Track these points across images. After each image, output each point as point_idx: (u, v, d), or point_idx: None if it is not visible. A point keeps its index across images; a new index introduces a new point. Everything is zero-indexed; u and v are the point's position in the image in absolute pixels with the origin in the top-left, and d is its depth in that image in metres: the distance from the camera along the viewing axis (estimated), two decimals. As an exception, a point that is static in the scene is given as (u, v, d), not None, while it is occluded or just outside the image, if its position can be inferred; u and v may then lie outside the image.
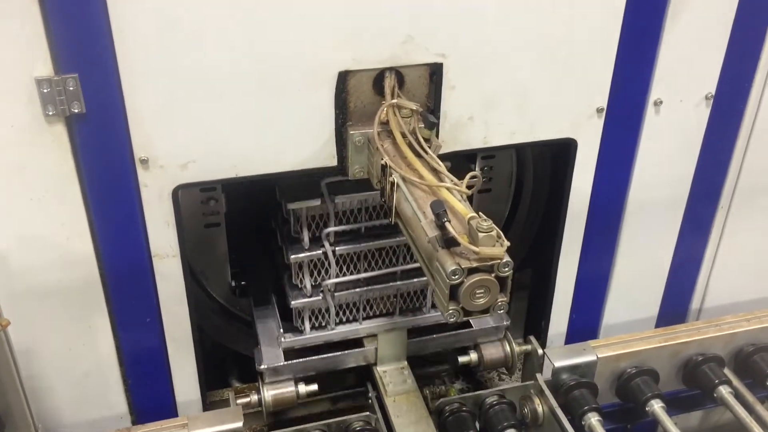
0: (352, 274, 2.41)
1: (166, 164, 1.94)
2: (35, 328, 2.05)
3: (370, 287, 2.43)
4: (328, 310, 2.44)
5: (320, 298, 2.39)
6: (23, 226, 1.91)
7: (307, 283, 2.38)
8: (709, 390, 2.44)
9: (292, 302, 2.39)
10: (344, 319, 2.51)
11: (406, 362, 2.54)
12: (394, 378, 2.50)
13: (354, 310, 2.51)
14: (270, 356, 2.43)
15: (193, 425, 2.08)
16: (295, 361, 2.43)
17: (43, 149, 1.82)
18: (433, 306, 2.57)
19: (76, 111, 1.78)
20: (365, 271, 2.41)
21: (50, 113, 1.76)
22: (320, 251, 2.32)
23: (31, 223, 1.91)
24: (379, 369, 2.53)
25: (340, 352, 2.51)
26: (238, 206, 2.59)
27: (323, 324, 2.49)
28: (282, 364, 2.41)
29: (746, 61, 2.33)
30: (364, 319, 2.52)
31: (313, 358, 2.47)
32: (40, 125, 1.79)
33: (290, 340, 2.45)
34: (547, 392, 2.28)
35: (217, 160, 1.98)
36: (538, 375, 2.33)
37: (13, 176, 1.84)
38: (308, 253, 2.32)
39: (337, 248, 2.32)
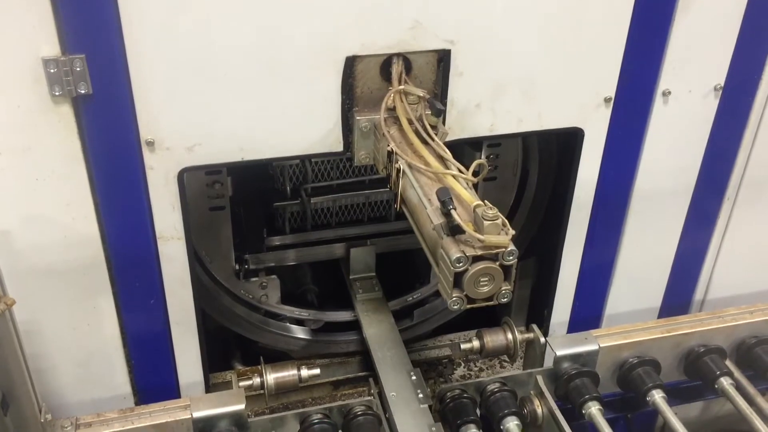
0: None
1: (172, 146, 1.94)
2: (40, 308, 2.06)
3: (342, 194, 2.91)
4: (305, 212, 2.89)
5: (298, 201, 2.81)
6: (29, 206, 1.92)
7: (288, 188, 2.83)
8: (710, 381, 2.45)
9: (275, 204, 2.83)
10: (319, 224, 2.99)
11: (374, 274, 2.98)
12: (364, 286, 2.93)
13: (328, 216, 2.96)
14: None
15: (196, 407, 2.09)
16: (273, 252, 2.88)
17: (49, 130, 1.82)
18: (397, 216, 3.01)
19: (83, 92, 1.77)
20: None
21: (57, 94, 1.76)
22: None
23: (37, 203, 1.92)
24: (352, 278, 2.96)
25: (312, 247, 2.97)
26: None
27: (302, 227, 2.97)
28: (263, 254, 2.84)
29: (756, 53, 2.32)
30: (336, 224, 2.99)
31: (289, 250, 2.93)
32: (46, 106, 1.79)
33: (272, 238, 2.92)
34: (547, 394, 2.28)
35: (224, 144, 1.98)
36: (538, 377, 2.33)
37: (20, 156, 1.84)
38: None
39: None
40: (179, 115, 1.90)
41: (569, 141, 2.33)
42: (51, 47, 1.72)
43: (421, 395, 2.30)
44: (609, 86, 2.21)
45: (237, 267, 2.77)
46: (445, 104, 2.06)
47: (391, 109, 1.96)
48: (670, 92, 2.27)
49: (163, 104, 1.87)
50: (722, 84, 2.31)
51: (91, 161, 1.90)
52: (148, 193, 1.98)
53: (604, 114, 2.25)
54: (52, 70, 1.73)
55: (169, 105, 1.88)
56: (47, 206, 1.93)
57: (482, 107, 2.12)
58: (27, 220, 1.93)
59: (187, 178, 2.03)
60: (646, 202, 2.47)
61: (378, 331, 2.68)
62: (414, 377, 2.38)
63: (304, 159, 2.80)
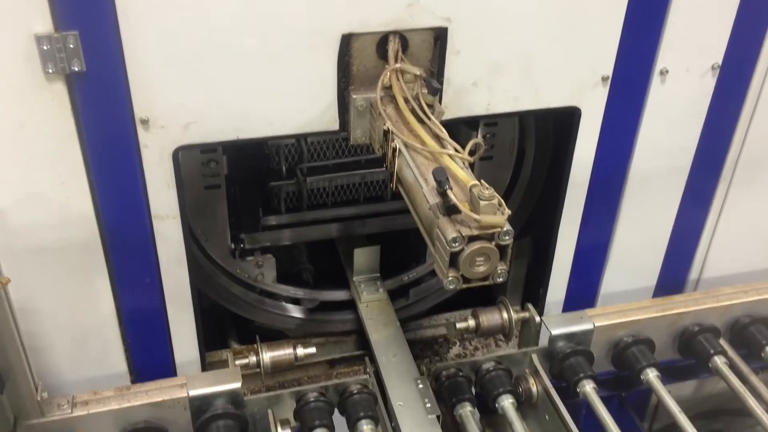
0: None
1: (167, 125, 1.92)
2: (35, 286, 2.06)
3: (338, 173, 2.88)
4: (301, 192, 2.87)
5: (294, 181, 2.81)
6: (23, 184, 1.91)
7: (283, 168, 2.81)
8: (704, 360, 2.46)
9: (270, 183, 2.81)
10: (315, 204, 2.97)
11: (378, 274, 2.86)
12: (368, 287, 2.82)
13: (324, 195, 2.93)
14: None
15: (192, 385, 2.10)
16: (269, 231, 2.86)
17: (42, 107, 1.81)
18: (393, 196, 2.97)
19: (76, 69, 1.76)
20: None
21: (50, 71, 1.75)
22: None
23: (31, 181, 1.91)
24: (355, 279, 2.84)
25: (307, 227, 2.95)
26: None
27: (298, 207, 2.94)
28: (259, 233, 2.83)
29: (754, 32, 2.30)
30: (332, 204, 2.96)
31: (285, 229, 2.90)
32: (39, 83, 1.77)
33: (268, 217, 2.89)
34: (542, 372, 2.30)
35: (219, 122, 1.97)
36: (533, 356, 2.34)
37: (13, 134, 1.83)
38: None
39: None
40: (174, 93, 1.89)
41: (566, 120, 2.32)
42: (44, 24, 1.70)
43: (428, 405, 2.22)
44: (606, 65, 2.20)
45: (233, 246, 2.77)
46: (441, 83, 2.05)
47: (388, 88, 1.95)
48: (667, 71, 2.26)
49: (157, 82, 1.86)
50: (720, 63, 2.30)
51: (85, 139, 1.88)
52: (143, 171, 1.97)
53: (602, 93, 2.24)
54: (45, 47, 1.71)
55: (163, 83, 1.86)
56: (41, 184, 1.92)
57: (479, 86, 2.11)
58: (21, 198, 1.92)
59: (182, 156, 2.02)
60: (643, 182, 2.47)
61: (383, 336, 2.58)
62: (421, 385, 2.29)
63: (300, 138, 2.79)
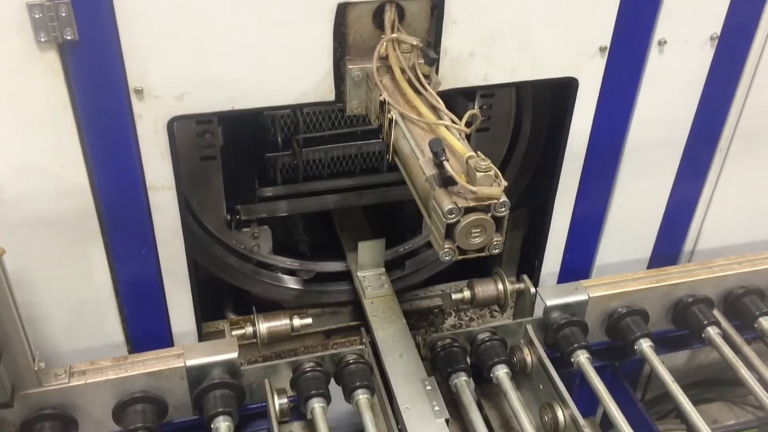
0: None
1: (161, 95, 1.91)
2: (30, 257, 2.06)
3: (334, 145, 2.87)
4: (297, 163, 2.86)
5: (290, 152, 2.79)
6: (16, 154, 1.90)
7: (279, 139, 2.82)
8: (697, 330, 2.48)
9: (266, 154, 2.81)
10: (311, 176, 2.98)
11: (384, 269, 2.75)
12: (372, 282, 2.70)
13: (320, 167, 2.93)
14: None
15: (189, 355, 2.11)
16: (265, 203, 2.85)
17: (35, 77, 1.79)
18: (389, 168, 2.96)
19: (69, 38, 1.74)
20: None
21: (42, 40, 1.72)
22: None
23: (25, 152, 1.89)
24: (360, 274, 2.73)
25: (303, 198, 2.95)
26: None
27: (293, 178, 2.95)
28: (255, 204, 2.81)
29: (753, 3, 2.29)
30: (328, 176, 2.97)
31: (280, 201, 2.89)
32: (32, 52, 1.75)
33: (264, 189, 2.88)
34: (537, 343, 2.31)
35: (214, 92, 1.95)
36: (528, 326, 2.35)
37: (6, 104, 1.81)
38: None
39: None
40: (168, 62, 1.87)
41: (563, 91, 2.31)
42: (35, -9, 1.68)
43: (437, 408, 2.15)
44: (604, 35, 2.18)
45: (228, 217, 2.76)
46: (438, 53, 2.03)
47: (384, 58, 1.93)
48: (665, 41, 2.25)
49: (151, 52, 1.84)
50: (718, 34, 2.28)
51: (78, 109, 1.87)
52: (138, 142, 1.96)
53: (599, 63, 2.23)
54: (37, 16, 1.69)
55: (157, 52, 1.84)
56: (35, 155, 1.91)
57: (476, 56, 2.09)
58: (15, 168, 1.91)
59: (177, 127, 2.01)
60: (639, 153, 2.47)
61: (389, 333, 2.46)
62: (429, 387, 2.21)
63: (296, 109, 2.77)
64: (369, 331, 2.52)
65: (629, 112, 2.38)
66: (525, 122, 2.75)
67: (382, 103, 1.88)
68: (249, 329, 2.40)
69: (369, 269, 2.74)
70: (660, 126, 2.44)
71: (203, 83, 1.93)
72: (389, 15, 1.94)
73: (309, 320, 2.43)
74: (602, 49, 2.20)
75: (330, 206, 3.01)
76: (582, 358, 2.32)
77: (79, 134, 1.90)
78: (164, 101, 1.92)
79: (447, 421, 2.12)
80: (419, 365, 2.30)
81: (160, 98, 1.91)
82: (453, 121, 1.79)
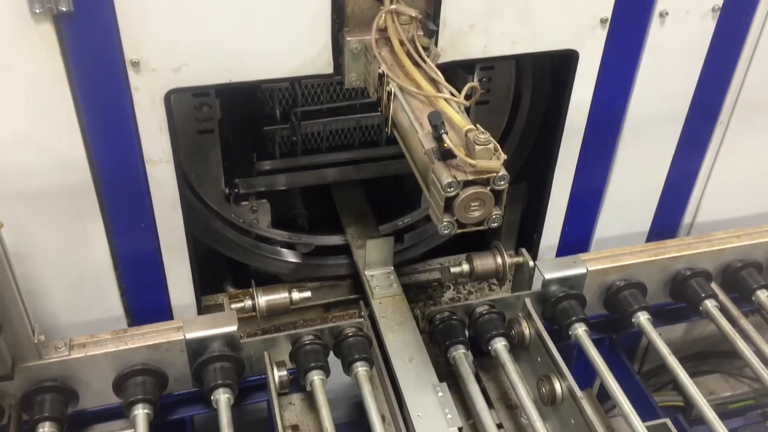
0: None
1: (157, 67, 1.89)
2: (29, 231, 2.06)
3: (332, 118, 2.84)
4: (295, 137, 2.84)
5: (288, 125, 2.76)
6: (13, 128, 1.88)
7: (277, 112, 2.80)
8: (695, 303, 2.49)
9: (264, 128, 2.78)
10: (310, 149, 2.96)
11: (392, 268, 2.62)
12: (380, 282, 2.57)
13: (318, 140, 2.91)
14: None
15: (189, 328, 2.12)
16: (263, 176, 2.85)
17: (30, 49, 1.77)
18: (388, 141, 2.95)
19: (64, 9, 1.72)
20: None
21: (37, 11, 1.70)
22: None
23: (22, 125, 1.88)
24: (367, 274, 2.60)
25: (302, 172, 2.95)
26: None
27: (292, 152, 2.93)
28: (253, 178, 2.81)
29: (755, -27, 2.26)
30: (327, 149, 2.95)
31: (279, 174, 2.88)
32: (27, 24, 1.73)
33: (262, 162, 2.87)
34: (535, 316, 2.32)
35: (211, 65, 1.94)
36: (526, 299, 2.36)
37: (1, 78, 1.79)
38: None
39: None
40: (164, 35, 1.85)
41: (563, 64, 2.29)
42: (29, -38, 1.66)
43: (449, 416, 2.07)
44: (605, 7, 2.16)
45: (227, 191, 2.76)
46: (437, 25, 2.01)
47: (383, 30, 1.91)
48: (667, 13, 2.22)
49: (147, 23, 1.82)
50: (720, 5, 2.26)
51: (75, 82, 1.85)
52: (135, 115, 1.95)
53: (600, 35, 2.21)
54: (31, -14, 1.67)
55: (153, 24, 1.82)
56: (32, 128, 1.90)
57: (476, 28, 2.07)
58: (12, 142, 1.90)
59: (174, 100, 2.00)
60: (639, 126, 2.46)
61: (399, 337, 2.35)
62: (441, 394, 2.12)
63: (294, 82, 2.75)
64: (367, 304, 2.53)
65: (630, 85, 2.36)
66: (524, 95, 2.74)
67: (381, 76, 1.86)
68: (248, 302, 2.41)
69: (377, 268, 2.60)
70: (660, 99, 2.43)
71: (200, 55, 1.91)
72: (388, -14, 1.92)
73: (308, 293, 2.43)
74: (603, 21, 2.18)
75: (329, 180, 3.00)
76: (580, 330, 2.34)
77: (75, 107, 1.89)
78: (161, 74, 1.90)
79: (460, 429, 2.05)
80: (430, 370, 2.22)
81: (157, 71, 1.89)
82: (452, 94, 1.78)
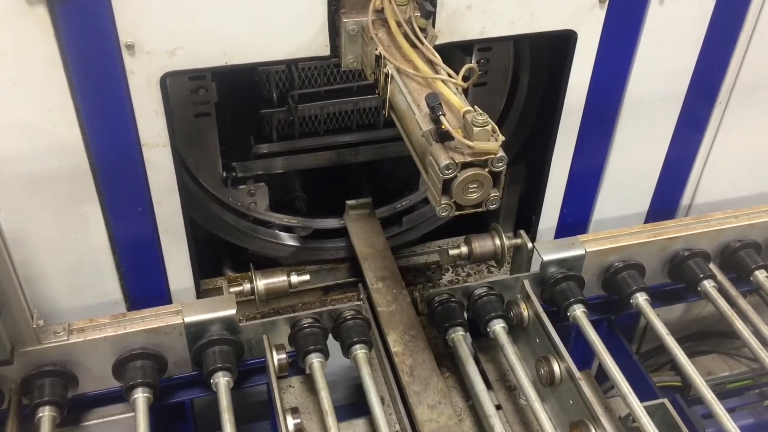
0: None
1: (153, 50, 1.88)
2: (26, 215, 2.05)
3: (329, 101, 2.84)
4: (292, 120, 2.82)
5: (285, 108, 2.75)
6: (8, 112, 1.87)
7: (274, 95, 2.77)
8: (693, 284, 2.49)
9: (262, 111, 2.77)
10: (307, 132, 2.94)
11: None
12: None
13: (316, 123, 2.89)
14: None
15: (187, 312, 2.12)
16: (261, 160, 2.85)
17: (24, 32, 1.76)
18: (386, 124, 2.93)
19: (58, -8, 1.70)
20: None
21: (30, -6, 1.69)
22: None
23: (17, 109, 1.87)
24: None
25: (299, 155, 2.94)
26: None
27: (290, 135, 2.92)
28: (251, 161, 2.81)
29: (756, -49, 2.25)
30: (324, 132, 2.94)
31: (277, 158, 2.88)
32: (20, 7, 1.72)
33: (260, 146, 2.87)
34: (534, 297, 2.32)
35: (206, 47, 1.92)
36: (525, 281, 2.36)
37: (-5, 60, 1.79)
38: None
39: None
40: (159, 17, 1.84)
41: (562, 44, 2.28)
42: (21, -56, 1.64)
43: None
44: (604, -14, 2.14)
45: (224, 175, 2.75)
46: (434, 5, 2.00)
47: (379, 11, 1.90)
48: (666, -7, 2.21)
49: (141, 5, 1.80)
50: (720, -16, 2.25)
51: (70, 66, 1.84)
52: (131, 98, 1.94)
53: (599, 16, 2.19)
54: (23, -31, 1.66)
55: (147, 6, 1.81)
56: (27, 112, 1.89)
57: (473, 9, 2.06)
58: (7, 127, 1.89)
59: (170, 83, 1.99)
60: (638, 107, 2.45)
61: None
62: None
63: (290, 64, 2.73)
64: (366, 287, 2.53)
65: (628, 66, 2.35)
66: (523, 76, 2.72)
67: (378, 58, 1.85)
68: (247, 286, 2.41)
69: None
70: (659, 79, 2.42)
71: (195, 38, 1.90)
72: (385, -34, 1.90)
73: (307, 277, 2.44)
74: (602, 1, 2.16)
75: (326, 163, 3.00)
76: (578, 312, 2.34)
77: (71, 91, 1.88)
78: (156, 57, 1.89)
79: None
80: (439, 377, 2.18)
81: (152, 54, 1.88)
82: (450, 76, 1.77)
